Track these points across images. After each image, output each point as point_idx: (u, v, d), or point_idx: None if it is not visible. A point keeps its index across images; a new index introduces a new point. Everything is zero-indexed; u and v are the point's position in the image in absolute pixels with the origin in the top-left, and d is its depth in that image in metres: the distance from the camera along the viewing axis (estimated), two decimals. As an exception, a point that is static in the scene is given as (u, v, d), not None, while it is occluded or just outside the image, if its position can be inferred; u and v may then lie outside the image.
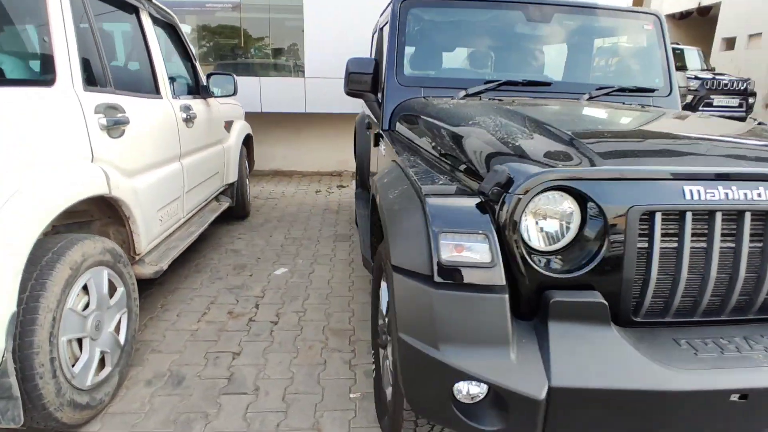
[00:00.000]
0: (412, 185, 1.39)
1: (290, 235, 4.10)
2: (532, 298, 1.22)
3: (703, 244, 1.24)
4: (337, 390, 2.05)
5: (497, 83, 2.29)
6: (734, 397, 1.10)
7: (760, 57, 17.53)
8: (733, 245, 1.25)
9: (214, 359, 2.25)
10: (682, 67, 10.23)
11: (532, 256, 1.21)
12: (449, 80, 2.36)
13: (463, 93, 2.24)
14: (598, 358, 1.12)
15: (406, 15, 2.36)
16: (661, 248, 1.22)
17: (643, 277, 1.23)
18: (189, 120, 2.92)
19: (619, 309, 1.23)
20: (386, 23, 2.75)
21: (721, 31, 19.41)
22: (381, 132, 2.37)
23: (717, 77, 9.11)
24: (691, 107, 8.91)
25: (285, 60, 6.22)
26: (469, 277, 1.14)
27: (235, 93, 3.42)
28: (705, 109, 8.94)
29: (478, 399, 1.16)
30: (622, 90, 2.38)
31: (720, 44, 19.59)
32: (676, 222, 1.22)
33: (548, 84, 2.36)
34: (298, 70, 6.11)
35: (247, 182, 4.54)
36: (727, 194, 1.22)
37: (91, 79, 1.93)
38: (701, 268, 1.25)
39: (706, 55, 13.14)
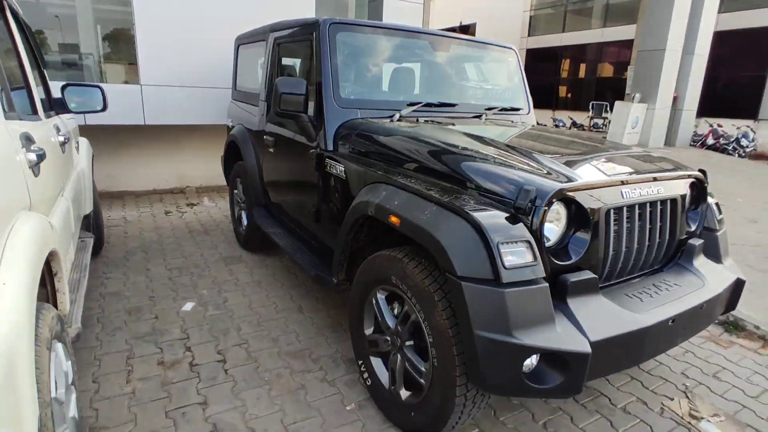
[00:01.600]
0: (444, 206, 1.60)
1: (171, 265, 3.67)
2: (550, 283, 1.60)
3: (629, 227, 1.82)
4: (332, 407, 2.10)
5: (419, 104, 2.62)
6: (670, 322, 1.69)
7: (506, 70, 22.27)
8: (641, 224, 1.86)
9: (182, 416, 2.00)
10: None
11: (550, 250, 1.59)
12: (379, 102, 2.58)
13: (397, 115, 2.50)
14: (603, 316, 1.57)
15: (335, 38, 2.48)
16: (614, 231, 1.74)
17: (606, 256, 1.74)
18: (64, 144, 2.40)
19: (593, 280, 1.72)
20: (293, 40, 2.79)
21: (479, 49, 23.89)
22: (324, 153, 2.44)
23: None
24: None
25: (114, 63, 5.32)
26: (524, 275, 1.44)
27: (104, 108, 2.90)
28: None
29: (533, 367, 1.48)
30: (504, 109, 3.00)
31: (478, 59, 24.05)
32: (619, 213, 1.76)
33: (454, 105, 2.81)
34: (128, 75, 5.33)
35: (101, 210, 3.83)
36: (640, 192, 1.81)
37: (9, 104, 1.50)
38: (629, 242, 1.83)
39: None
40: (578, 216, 1.66)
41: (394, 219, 1.73)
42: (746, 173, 8.65)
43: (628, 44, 14.72)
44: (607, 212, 1.70)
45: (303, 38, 2.69)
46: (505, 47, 3.20)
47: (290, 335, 2.70)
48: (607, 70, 18.05)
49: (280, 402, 2.11)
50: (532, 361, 1.47)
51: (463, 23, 25.12)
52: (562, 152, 2.03)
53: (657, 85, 9.87)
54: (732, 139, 11.09)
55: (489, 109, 2.95)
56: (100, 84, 2.88)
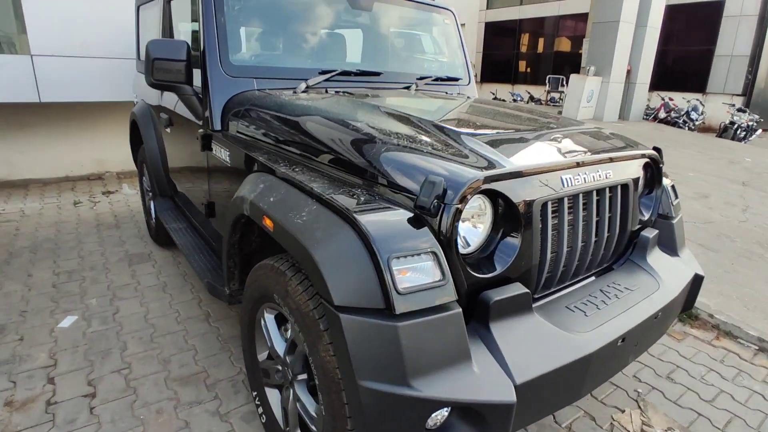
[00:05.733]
0: (326, 205, 1.18)
1: (61, 269, 3.11)
2: (465, 304, 1.22)
3: (571, 220, 1.46)
4: (219, 453, 1.69)
5: (333, 73, 2.16)
6: (620, 342, 1.35)
7: (466, 43, 21.94)
8: (586, 217, 1.51)
9: (13, 481, 1.54)
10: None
11: (467, 260, 1.20)
12: (281, 69, 2.10)
13: (303, 85, 2.03)
14: (535, 344, 1.21)
15: (220, -10, 1.97)
16: (551, 229, 1.38)
17: (543, 259, 1.38)
18: None
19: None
20: (181, -4, 2.25)
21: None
22: (212, 133, 1.96)
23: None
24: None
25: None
26: (427, 300, 1.05)
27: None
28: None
29: (442, 421, 1.11)
30: (438, 79, 2.58)
31: (437, 33, 23.50)
32: (558, 205, 1.40)
33: (379, 74, 2.36)
34: (10, 44, 4.55)
35: (-31, 206, 3.20)
36: (585, 178, 1.45)
37: None
38: (571, 240, 1.47)
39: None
40: (507, 213, 1.28)
41: (267, 221, 1.30)
42: (697, 146, 8.68)
43: (585, 17, 14.58)
44: (544, 206, 1.33)
45: (186, -10, 2.16)
46: (441, 8, 2.76)
47: (187, 354, 2.25)
48: (564, 44, 17.92)
49: (153, 450, 1.69)
50: (438, 416, 1.10)
51: (422, -5, 24.34)
52: (493, 130, 1.63)
53: (611, 58, 9.71)
54: (682, 113, 11.17)
55: (421, 78, 2.52)
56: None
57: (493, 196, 1.26)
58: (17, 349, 2.24)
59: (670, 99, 12.02)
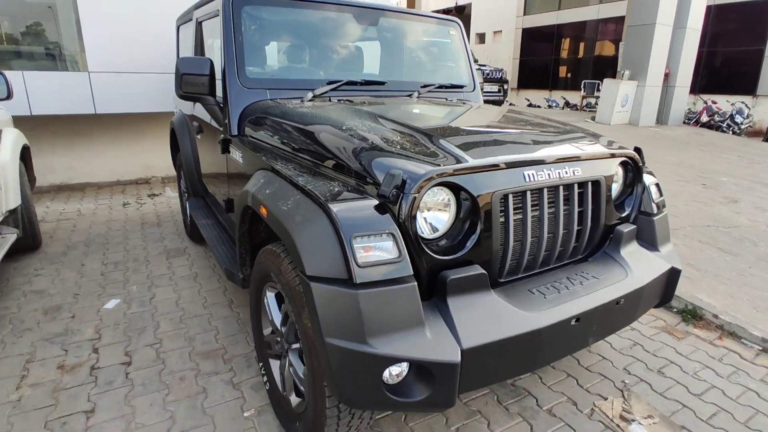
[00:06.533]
0: (306, 194, 1.41)
1: (109, 260, 3.51)
2: (428, 281, 1.40)
3: (537, 213, 1.61)
4: (229, 414, 1.94)
5: (339, 84, 2.40)
6: (573, 322, 1.49)
7: (502, 50, 21.89)
8: (553, 211, 1.65)
9: (61, 427, 1.85)
10: (453, 59, 12.09)
11: (426, 244, 1.39)
12: (293, 81, 2.36)
13: (310, 95, 2.29)
14: (487, 318, 1.38)
15: (240, 13, 2.26)
16: (514, 220, 1.54)
17: (505, 247, 1.54)
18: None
19: (490, 275, 1.51)
20: (210, 17, 2.57)
21: (474, 28, 23.51)
22: (230, 138, 2.24)
23: (480, 68, 11.08)
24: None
25: (55, 50, 5.10)
26: (383, 273, 1.24)
27: (9, 96, 2.71)
28: (475, 95, 10.83)
29: (402, 378, 1.30)
30: (441, 87, 2.77)
31: (474, 39, 23.69)
32: (521, 198, 1.56)
33: (383, 83, 2.58)
34: (68, 61, 5.09)
35: (34, 205, 3.66)
36: (549, 174, 1.60)
37: None
38: (537, 232, 1.62)
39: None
40: (469, 204, 1.45)
41: (263, 210, 1.54)
42: (737, 150, 8.34)
43: (624, 21, 14.23)
44: (504, 198, 1.50)
45: (214, 15, 2.47)
46: (448, 20, 2.95)
47: (210, 333, 2.54)
48: (604, 48, 17.52)
49: (174, 408, 1.96)
50: (398, 372, 1.29)
51: (459, 4, 24.53)
52: (468, 132, 1.81)
53: (647, 62, 9.48)
54: (726, 116, 10.70)
55: (425, 86, 2.72)
56: (3, 71, 2.68)
57: (456, 189, 1.44)
58: (69, 325, 2.60)
59: (713, 102, 11.53)
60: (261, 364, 1.98)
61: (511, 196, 1.51)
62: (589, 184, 1.75)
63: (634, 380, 2.25)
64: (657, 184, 2.10)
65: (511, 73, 21.01)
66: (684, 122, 11.14)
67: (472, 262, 1.47)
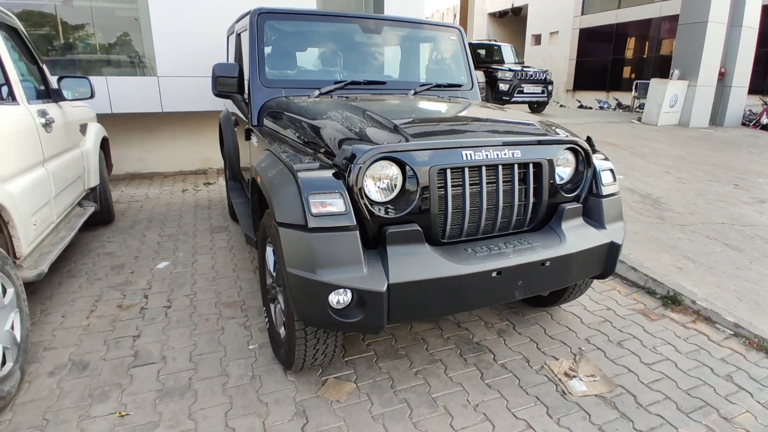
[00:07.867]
0: (285, 165, 1.86)
1: (165, 233, 4.20)
2: (376, 235, 1.81)
3: (477, 188, 1.96)
4: (237, 345, 2.44)
5: (344, 83, 2.86)
6: (494, 274, 1.83)
7: (558, 51, 21.41)
8: (494, 186, 1.99)
9: (115, 344, 2.44)
10: (499, 60, 12.21)
11: (374, 206, 1.80)
12: (305, 81, 2.85)
13: (317, 92, 2.76)
14: (417, 263, 1.76)
15: (263, 26, 2.78)
16: (452, 192, 1.90)
17: (444, 213, 1.91)
18: (47, 125, 2.91)
19: (432, 235, 1.89)
20: (244, 30, 3.12)
21: (530, 29, 23.15)
22: (251, 127, 2.76)
23: (524, 69, 11.13)
24: (507, 94, 10.78)
25: (131, 58, 5.98)
26: (331, 222, 1.67)
27: (92, 96, 3.42)
28: (518, 96, 10.90)
29: (346, 304, 1.72)
30: (438, 86, 3.14)
31: (530, 40, 23.32)
32: (461, 174, 1.92)
33: (384, 83, 3.00)
34: (143, 67, 5.94)
35: (109, 186, 4.44)
36: (487, 155, 1.95)
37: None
38: (477, 203, 1.97)
39: (518, 50, 15.68)
40: (413, 176, 1.84)
41: (258, 178, 2.02)
42: (799, 154, 7.84)
43: (686, 17, 13.55)
44: (441, 172, 1.86)
45: (246, 28, 3.01)
46: (448, 27, 3.32)
47: (234, 290, 3.08)
48: (664, 47, 16.72)
49: (197, 339, 2.49)
50: (343, 297, 1.70)
51: (515, 5, 24.28)
52: (431, 121, 2.19)
53: (699, 61, 9.11)
54: (791, 119, 9.99)
55: (423, 85, 3.11)
56: (88, 76, 3.39)
57: (403, 164, 1.83)
58: (129, 278, 3.25)
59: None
60: (264, 308, 2.47)
61: (449, 171, 1.88)
62: (531, 165, 2.06)
63: (590, 348, 2.51)
64: (611, 170, 2.35)
65: (567, 74, 20.54)
66: (743, 124, 10.51)
67: (412, 221, 1.85)
